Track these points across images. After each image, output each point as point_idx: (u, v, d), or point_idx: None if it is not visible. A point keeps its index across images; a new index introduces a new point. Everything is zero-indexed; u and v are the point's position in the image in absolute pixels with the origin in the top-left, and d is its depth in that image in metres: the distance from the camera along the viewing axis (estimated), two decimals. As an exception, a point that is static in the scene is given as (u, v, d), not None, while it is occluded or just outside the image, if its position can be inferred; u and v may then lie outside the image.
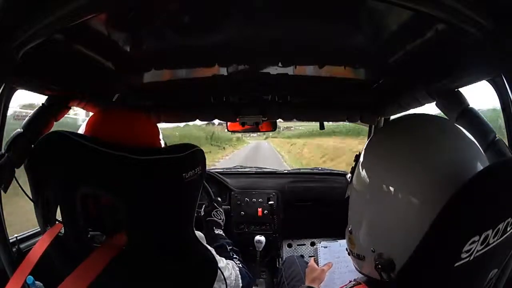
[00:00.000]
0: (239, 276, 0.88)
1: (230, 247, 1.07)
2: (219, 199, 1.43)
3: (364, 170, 0.55)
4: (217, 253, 0.86)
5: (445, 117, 0.74)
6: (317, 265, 1.09)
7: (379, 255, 0.50)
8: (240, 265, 0.96)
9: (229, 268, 0.83)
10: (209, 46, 0.86)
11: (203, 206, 1.34)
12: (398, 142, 0.53)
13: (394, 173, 0.50)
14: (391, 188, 0.49)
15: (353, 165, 0.60)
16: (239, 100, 1.33)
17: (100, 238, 0.65)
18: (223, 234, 1.23)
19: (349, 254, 0.61)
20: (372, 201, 0.52)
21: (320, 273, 1.02)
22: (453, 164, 0.47)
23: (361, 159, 0.57)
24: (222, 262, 0.80)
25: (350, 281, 0.59)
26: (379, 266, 0.49)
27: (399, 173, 0.49)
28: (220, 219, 1.30)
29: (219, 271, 0.74)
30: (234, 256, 1.02)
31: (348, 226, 0.59)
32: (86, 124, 0.71)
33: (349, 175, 0.61)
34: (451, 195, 0.42)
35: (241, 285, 0.88)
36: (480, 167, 0.48)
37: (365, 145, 0.59)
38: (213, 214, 1.29)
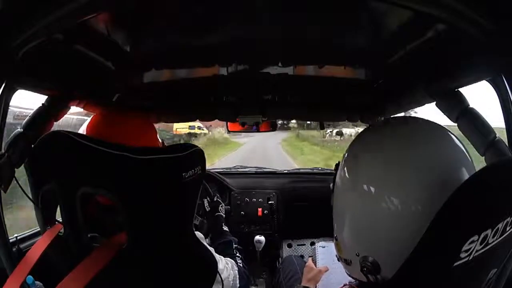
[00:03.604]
0: (237, 276, 0.88)
1: (235, 245, 1.08)
2: (218, 195, 1.44)
3: (347, 173, 0.56)
4: (222, 250, 0.87)
5: (445, 117, 0.74)
6: (315, 265, 1.09)
7: (364, 258, 0.51)
8: (241, 265, 0.97)
9: (228, 268, 0.83)
10: (209, 46, 0.86)
11: (206, 201, 1.34)
12: (381, 144, 0.54)
13: (376, 175, 0.50)
14: (373, 190, 0.50)
15: (334, 175, 0.60)
16: (239, 100, 1.33)
17: (100, 238, 0.65)
18: (228, 230, 1.24)
19: (338, 260, 0.61)
20: (354, 203, 0.53)
21: (317, 273, 1.02)
22: (435, 167, 0.48)
23: (344, 161, 0.58)
24: (221, 262, 0.81)
25: (345, 285, 0.59)
26: (365, 269, 0.50)
27: (381, 175, 0.50)
28: (225, 214, 1.32)
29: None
30: (237, 254, 1.03)
31: (334, 233, 0.60)
32: (87, 125, 0.72)
33: (331, 184, 0.62)
34: (431, 197, 0.44)
35: (238, 285, 0.89)
36: (465, 172, 0.49)
37: (348, 148, 0.59)
38: (220, 209, 1.29)
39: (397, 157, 0.50)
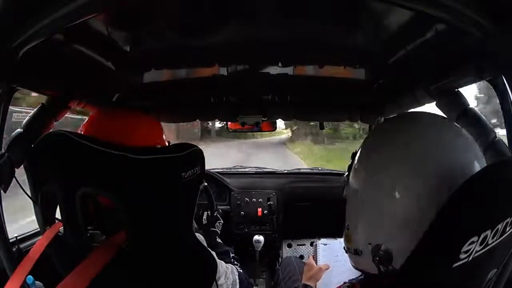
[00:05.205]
0: (237, 281, 0.88)
1: (232, 255, 1.10)
2: (221, 210, 1.46)
3: (361, 167, 0.56)
4: (219, 259, 0.87)
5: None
6: (316, 263, 1.09)
7: (376, 247, 0.51)
8: (241, 271, 0.97)
9: (227, 272, 0.83)
10: (209, 46, 0.86)
11: (205, 214, 1.35)
12: (395, 140, 0.54)
13: (390, 170, 0.51)
14: (387, 185, 0.50)
15: (349, 164, 0.60)
16: (239, 100, 1.33)
17: (99, 238, 0.65)
18: (222, 243, 1.28)
19: (346, 251, 0.61)
20: (368, 197, 0.53)
21: (317, 271, 1.01)
22: (449, 163, 0.48)
23: (358, 155, 0.58)
24: (221, 266, 0.80)
25: (345, 283, 0.59)
26: (377, 259, 0.50)
27: (395, 170, 0.50)
28: (219, 230, 1.35)
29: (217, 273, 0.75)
30: (235, 263, 1.04)
31: (345, 223, 0.60)
32: (86, 124, 0.71)
33: (346, 174, 0.61)
34: (443, 191, 0.44)
35: None
36: (477, 167, 0.48)
37: (363, 142, 0.59)
38: (216, 226, 1.32)
39: (409, 152, 0.50)
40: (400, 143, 0.52)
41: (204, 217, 1.33)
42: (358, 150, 0.59)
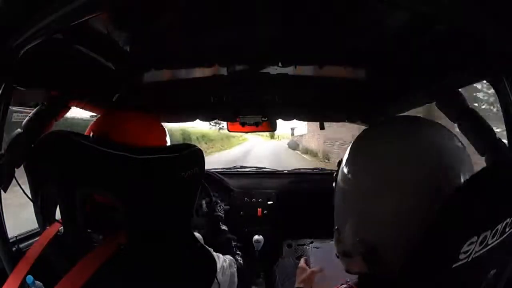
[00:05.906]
0: (235, 273, 0.88)
1: (235, 243, 1.09)
2: (217, 194, 1.44)
3: (348, 169, 0.55)
4: (221, 248, 0.87)
5: (445, 117, 0.74)
6: (308, 266, 1.09)
7: (364, 244, 0.50)
8: (241, 261, 0.97)
9: (224, 267, 0.84)
10: (209, 46, 0.86)
11: (204, 201, 1.35)
12: (384, 141, 0.53)
13: (377, 172, 0.50)
14: (374, 184, 0.50)
15: (336, 171, 0.60)
16: (239, 100, 1.33)
17: (98, 237, 0.65)
18: (227, 229, 1.25)
19: (338, 257, 0.60)
20: (355, 198, 0.53)
21: (310, 274, 1.01)
22: (437, 164, 0.47)
23: (346, 158, 0.57)
24: (219, 262, 0.81)
25: (342, 284, 0.59)
26: (366, 256, 0.50)
27: (382, 172, 0.50)
28: (223, 214, 1.33)
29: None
30: (237, 252, 1.03)
31: (335, 224, 0.59)
32: (93, 124, 0.71)
33: (334, 183, 0.61)
34: (432, 192, 0.44)
35: (236, 283, 0.89)
36: (469, 169, 0.48)
37: (350, 145, 0.59)
38: (217, 209, 1.30)
39: (395, 155, 0.50)
40: (390, 145, 0.52)
41: (204, 205, 1.32)
42: (347, 152, 0.58)
